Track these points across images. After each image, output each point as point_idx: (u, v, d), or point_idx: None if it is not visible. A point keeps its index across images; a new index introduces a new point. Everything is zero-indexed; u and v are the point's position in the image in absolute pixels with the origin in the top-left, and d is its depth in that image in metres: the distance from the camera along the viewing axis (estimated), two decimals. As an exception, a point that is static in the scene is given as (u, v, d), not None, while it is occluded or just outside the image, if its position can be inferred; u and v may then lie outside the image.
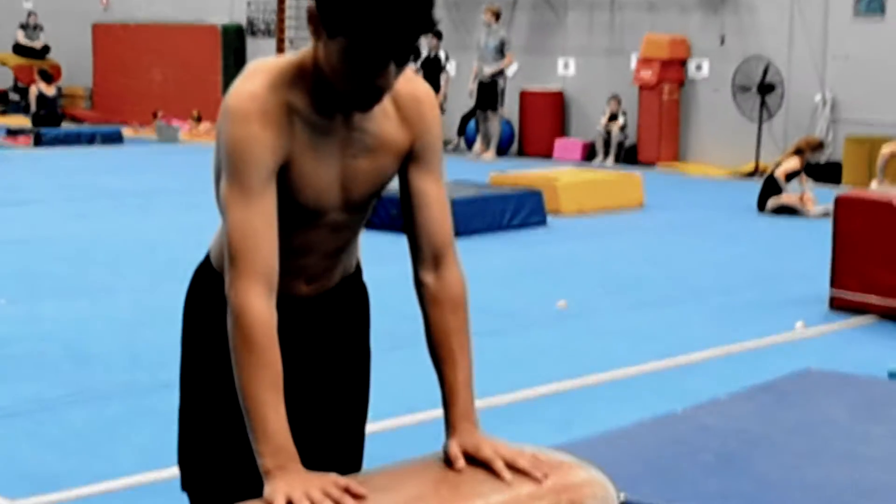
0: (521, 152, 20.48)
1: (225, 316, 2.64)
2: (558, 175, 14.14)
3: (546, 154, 20.01)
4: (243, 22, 24.88)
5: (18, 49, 26.44)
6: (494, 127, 19.54)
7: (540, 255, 10.90)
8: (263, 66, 2.70)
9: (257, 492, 2.53)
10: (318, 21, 2.56)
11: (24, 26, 26.60)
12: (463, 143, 20.47)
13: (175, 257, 10.24)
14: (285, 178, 2.68)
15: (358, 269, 3.08)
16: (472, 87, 19.50)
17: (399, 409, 5.95)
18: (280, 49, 23.93)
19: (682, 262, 10.80)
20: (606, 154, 19.51)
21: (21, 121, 22.79)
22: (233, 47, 24.76)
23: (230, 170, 2.62)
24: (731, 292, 9.38)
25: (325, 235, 2.84)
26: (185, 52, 24.89)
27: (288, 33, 23.90)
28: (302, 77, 2.66)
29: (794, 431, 4.94)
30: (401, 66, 2.59)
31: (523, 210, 12.23)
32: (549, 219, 12.62)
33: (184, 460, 3.11)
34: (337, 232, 2.85)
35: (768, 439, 4.84)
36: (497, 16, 19.56)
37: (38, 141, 20.24)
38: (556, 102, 20.64)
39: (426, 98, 2.79)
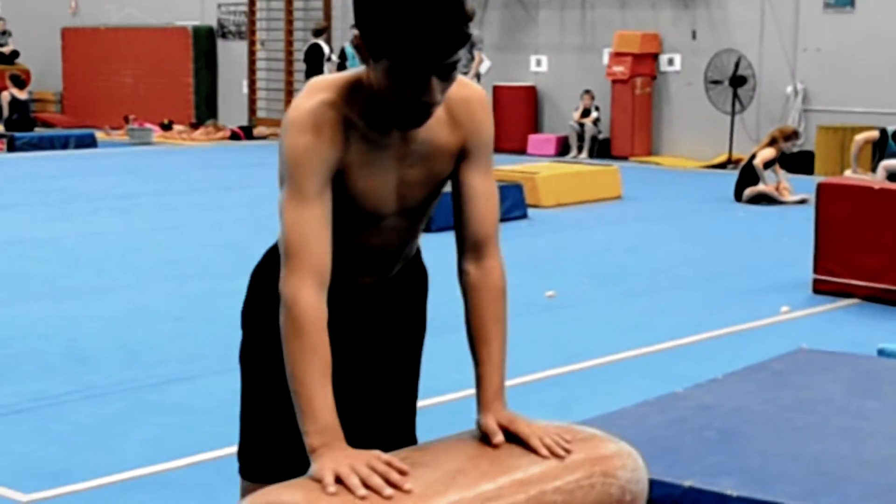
0: (495, 148, 20.54)
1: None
2: (537, 169, 14.27)
3: (520, 149, 20.13)
4: (214, 24, 24.89)
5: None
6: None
7: (523, 247, 10.99)
8: (323, 82, 2.82)
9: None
10: (364, 46, 2.69)
11: (3, 32, 26.54)
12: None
13: (159, 257, 10.35)
14: (343, 186, 2.82)
15: (417, 252, 3.20)
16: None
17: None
18: (251, 51, 23.98)
19: (664, 251, 10.93)
20: (580, 149, 19.65)
21: (-4, 127, 22.76)
22: (203, 49, 24.80)
23: (288, 176, 2.75)
24: (714, 280, 9.51)
25: (386, 237, 2.97)
26: (156, 55, 24.91)
27: (259, 35, 23.94)
28: (357, 95, 2.78)
29: (791, 408, 5.05)
30: (444, 80, 2.68)
31: (504, 204, 12.30)
32: (530, 212, 12.74)
33: (246, 447, 3.22)
34: (397, 233, 2.98)
35: (767, 416, 4.95)
36: (469, 15, 19.68)
37: (12, 146, 20.21)
38: (529, 98, 20.78)
39: (476, 98, 2.89)
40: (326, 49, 20.83)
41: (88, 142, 21.11)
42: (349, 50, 21.43)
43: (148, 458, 5.44)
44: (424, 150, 2.86)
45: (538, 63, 20.84)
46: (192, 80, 24.72)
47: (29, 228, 12.04)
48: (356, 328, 3.08)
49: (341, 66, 21.21)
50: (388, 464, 2.60)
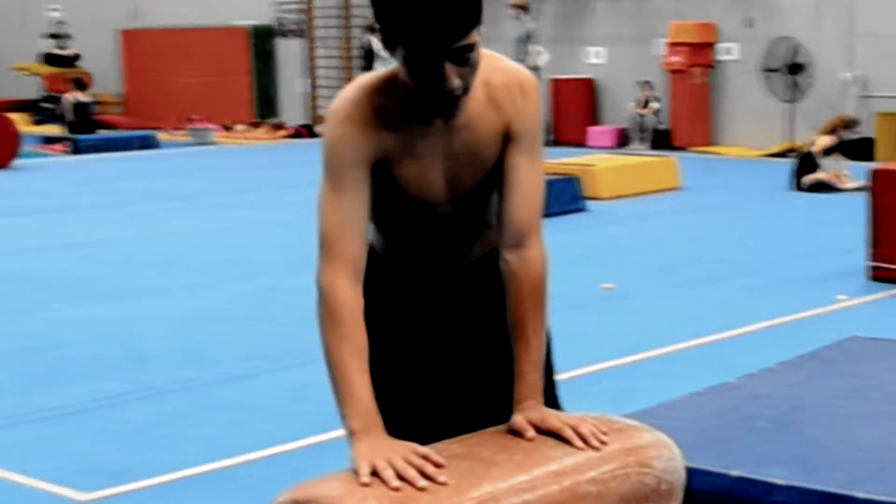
0: (555, 141, 20.57)
1: (388, 294, 2.98)
2: (594, 161, 14.25)
3: (579, 142, 20.10)
4: (271, 23, 25.03)
5: (48, 58, 26.66)
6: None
7: (581, 240, 11.01)
8: (366, 77, 2.88)
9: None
10: (382, 38, 2.73)
11: (52, 36, 26.82)
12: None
13: (220, 257, 10.45)
14: (389, 175, 2.86)
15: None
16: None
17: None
18: (310, 49, 24.10)
19: (721, 241, 10.92)
20: (640, 140, 19.61)
21: (55, 129, 22.99)
22: (262, 48, 24.93)
23: (326, 166, 2.81)
24: (771, 269, 9.48)
25: (444, 225, 3.00)
26: (215, 55, 25.08)
27: (317, 32, 24.04)
28: (396, 87, 2.80)
29: (843, 396, 5.04)
30: (460, 65, 2.68)
31: (562, 197, 12.33)
32: (588, 204, 12.73)
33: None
34: (454, 222, 2.99)
35: (819, 405, 4.95)
36: (524, 9, 19.64)
37: (75, 148, 20.46)
38: (587, 90, 20.75)
39: (518, 85, 2.89)
40: (377, 46, 20.89)
41: (150, 143, 21.31)
42: (377, 44, 21.63)
43: (205, 455, 5.51)
44: (468, 136, 2.87)
45: (595, 55, 20.79)
46: (251, 80, 24.88)
47: (92, 230, 12.19)
48: (445, 313, 3.12)
49: (368, 61, 21.41)
50: (425, 457, 2.63)
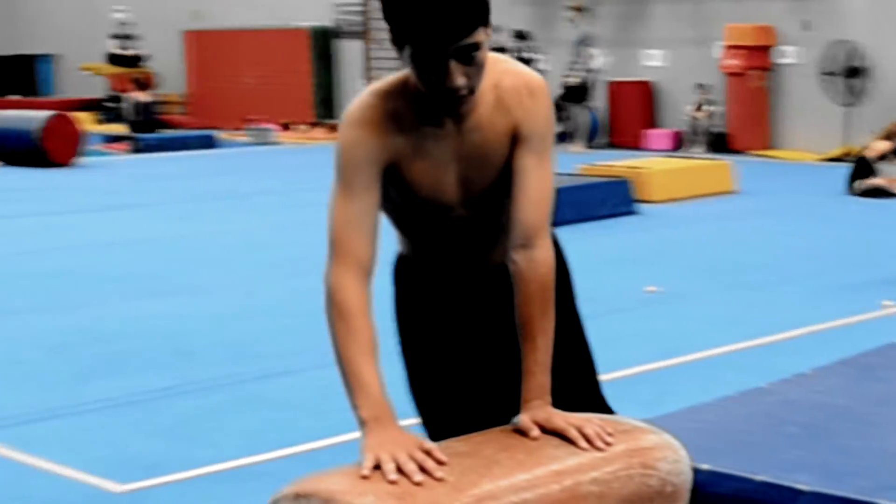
0: (611, 143, 20.55)
1: (420, 297, 3.12)
2: (647, 164, 14.24)
3: (636, 145, 20.07)
4: (331, 24, 25.15)
5: (113, 58, 26.94)
6: (582, 119, 19.68)
7: (629, 242, 11.02)
8: (380, 81, 2.95)
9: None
10: (391, 38, 2.79)
11: (117, 36, 27.10)
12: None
13: (274, 255, 10.57)
14: (401, 177, 2.93)
15: None
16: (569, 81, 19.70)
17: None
18: (369, 50, 24.21)
19: (772, 245, 10.88)
20: (696, 143, 19.54)
21: (118, 128, 23.24)
22: (322, 50, 25.07)
23: (337, 168, 2.89)
24: (820, 274, 9.45)
25: (461, 228, 3.07)
26: (276, 56, 25.23)
27: (376, 34, 24.14)
28: (408, 90, 2.87)
29: (878, 403, 5.03)
30: (465, 63, 2.75)
31: (612, 199, 12.36)
32: (639, 207, 12.73)
33: (429, 422, 3.31)
34: (470, 225, 3.05)
35: (851, 411, 4.94)
36: (580, 10, 19.67)
37: (137, 147, 20.70)
38: (645, 93, 20.71)
39: (527, 87, 2.94)
40: None
41: (210, 142, 21.54)
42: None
43: (243, 450, 5.59)
44: (478, 139, 2.93)
45: (653, 57, 20.74)
46: (310, 80, 25.02)
47: (149, 228, 12.34)
48: (471, 316, 3.19)
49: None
50: (428, 452, 2.68)
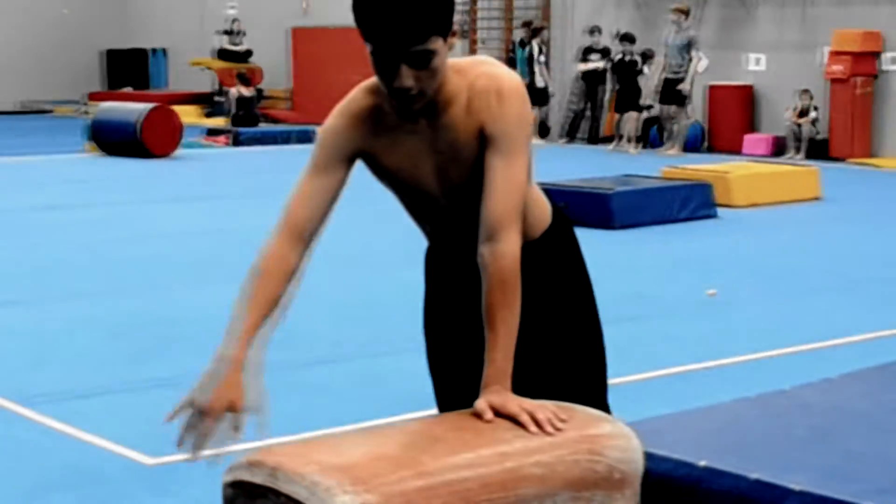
0: (709, 148, 20.46)
1: (436, 280, 3.45)
2: (732, 168, 14.19)
3: (735, 149, 19.95)
4: (437, 23, 25.30)
5: (222, 53, 27.41)
6: (681, 123, 19.63)
7: (702, 246, 11.03)
8: (371, 80, 3.12)
9: None
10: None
11: (227, 32, 27.55)
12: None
13: (343, 247, 10.70)
14: (380, 166, 3.18)
15: (545, 239, 3.38)
16: (657, 83, 19.65)
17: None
18: (472, 50, 24.32)
19: (844, 252, 10.83)
20: (797, 149, 19.38)
21: (222, 122, 23.64)
22: (426, 48, 25.23)
23: (313, 149, 3.17)
24: (887, 282, 9.38)
25: (451, 217, 3.26)
26: (381, 55, 25.43)
27: (480, 34, 24.27)
28: None
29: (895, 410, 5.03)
30: (417, 68, 2.91)
31: (692, 203, 12.35)
32: (720, 211, 12.71)
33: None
34: (461, 213, 3.19)
35: (866, 416, 4.93)
36: (686, 13, 19.58)
37: (236, 140, 21.05)
38: (746, 97, 20.58)
39: (497, 90, 3.06)
40: (536, 49, 21.10)
41: (308, 137, 21.74)
42: (518, 48, 21.80)
43: (276, 431, 5.71)
44: (450, 136, 3.09)
45: (756, 62, 20.60)
46: (414, 78, 25.20)
47: (234, 218, 12.61)
48: (470, 302, 3.29)
49: (510, 62, 21.59)
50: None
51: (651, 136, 20.74)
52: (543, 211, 3.39)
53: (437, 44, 2.91)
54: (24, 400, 6.19)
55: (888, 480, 4.16)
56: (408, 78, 2.91)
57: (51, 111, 29.14)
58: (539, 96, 20.58)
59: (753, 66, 20.64)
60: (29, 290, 8.96)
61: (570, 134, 21.94)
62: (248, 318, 3.12)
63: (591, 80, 21.37)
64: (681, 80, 19.30)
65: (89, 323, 7.87)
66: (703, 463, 4.20)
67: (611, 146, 20.53)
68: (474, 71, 3.08)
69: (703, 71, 19.86)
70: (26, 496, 4.96)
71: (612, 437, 3.07)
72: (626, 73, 19.95)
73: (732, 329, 7.85)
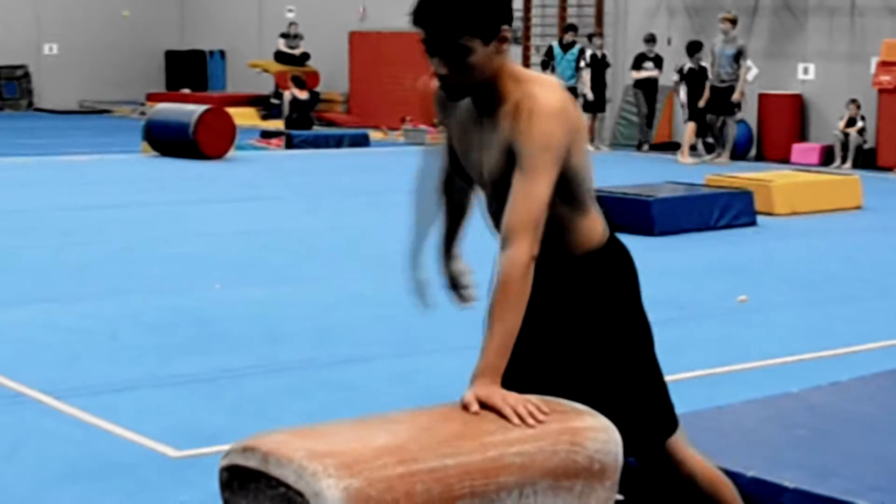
0: (760, 156, 20.48)
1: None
2: (773, 177, 14.25)
3: (784, 158, 19.96)
4: (492, 29, 25.42)
5: (279, 56, 27.67)
6: (730, 132, 19.67)
7: (739, 253, 11.11)
8: None
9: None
10: None
11: (285, 35, 27.82)
12: (701, 146, 20.53)
13: (387, 250, 10.85)
14: (451, 147, 3.58)
15: (589, 258, 3.57)
16: (705, 93, 19.68)
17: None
18: (525, 56, 24.45)
19: (879, 261, 10.88)
20: (844, 158, 19.38)
21: (278, 124, 23.86)
22: (481, 54, 25.34)
23: None
24: (920, 292, 9.46)
25: (494, 206, 3.49)
26: (436, 59, 25.57)
27: (533, 41, 24.38)
28: None
29: (898, 413, 5.15)
30: (449, 61, 3.25)
31: (732, 210, 12.44)
32: (761, 219, 12.78)
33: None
34: (500, 206, 3.39)
35: (869, 419, 5.06)
36: (734, 23, 19.61)
37: (289, 143, 21.26)
38: (795, 106, 20.58)
39: (529, 110, 3.30)
40: (609, 56, 21.24)
41: (361, 141, 21.99)
42: (557, 49, 21.89)
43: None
44: (493, 137, 3.38)
45: (805, 71, 20.61)
46: (469, 84, 25.32)
47: (278, 219, 12.82)
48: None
49: (545, 64, 21.73)
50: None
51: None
52: (592, 232, 3.55)
53: (474, 43, 3.24)
54: (59, 393, 6.39)
55: (880, 479, 4.30)
56: (440, 67, 3.28)
57: (110, 111, 29.45)
58: (585, 104, 20.72)
59: (803, 76, 20.65)
60: (71, 286, 9.20)
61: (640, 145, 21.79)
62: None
63: (646, 88, 21.38)
64: (729, 90, 19.32)
65: (127, 320, 8.07)
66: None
67: (695, 159, 20.10)
68: (526, 87, 3.33)
69: (752, 80, 19.89)
70: (52, 485, 5.16)
71: (593, 430, 3.22)
72: (698, 81, 19.80)
73: (759, 334, 7.95)
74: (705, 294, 9.19)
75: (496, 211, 3.46)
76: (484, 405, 3.17)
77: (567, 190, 3.38)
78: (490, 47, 3.27)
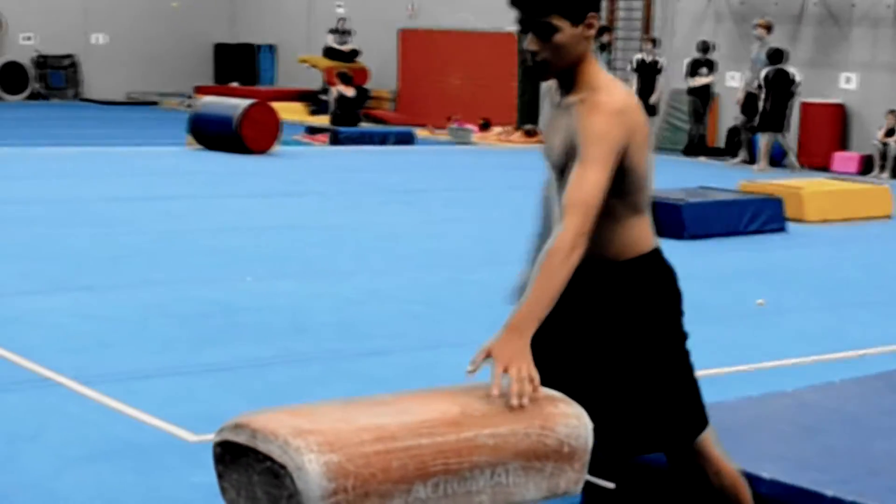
0: (801, 163, 20.53)
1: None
2: (805, 184, 14.39)
3: (824, 166, 20.04)
4: (539, 30, 25.57)
5: (329, 52, 27.92)
6: (765, 139, 19.78)
7: (765, 258, 11.30)
8: None
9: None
10: None
11: (334, 31, 28.09)
12: (744, 153, 20.64)
13: (419, 247, 11.16)
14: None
15: (629, 266, 3.78)
16: (741, 97, 19.82)
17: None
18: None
19: (902, 269, 11.05)
20: (883, 168, 19.44)
21: (326, 120, 24.03)
22: (530, 55, 25.51)
23: None
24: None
25: (557, 194, 3.72)
26: (484, 59, 25.78)
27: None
28: None
29: (886, 413, 5.33)
30: (541, 38, 3.57)
31: (762, 216, 12.61)
32: (791, 226, 12.95)
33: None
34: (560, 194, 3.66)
35: (856, 417, 5.25)
36: (769, 29, 19.73)
37: (335, 139, 21.47)
38: (837, 115, 20.65)
39: (589, 103, 3.60)
40: (661, 62, 21.35)
41: (407, 138, 22.15)
42: (596, 52, 22.00)
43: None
44: (561, 122, 3.69)
45: (847, 80, 20.67)
46: (516, 85, 25.52)
47: (316, 215, 13.09)
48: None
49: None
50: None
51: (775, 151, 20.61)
52: (641, 237, 3.78)
53: (562, 22, 3.55)
54: (85, 379, 6.66)
55: (855, 472, 4.51)
56: (532, 43, 3.59)
57: (157, 103, 29.71)
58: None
59: (845, 85, 20.71)
60: (105, 275, 9.48)
61: (688, 150, 21.79)
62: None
63: (700, 95, 21.37)
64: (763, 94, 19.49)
65: (158, 309, 8.34)
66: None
67: (758, 166, 19.94)
68: (598, 83, 3.63)
69: (796, 90, 19.89)
70: (72, 465, 5.42)
71: (564, 416, 3.45)
72: (781, 89, 19.74)
73: (769, 336, 8.16)
74: (725, 297, 9.38)
75: (558, 198, 3.70)
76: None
77: (622, 187, 3.61)
78: (577, 30, 3.57)
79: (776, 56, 19.60)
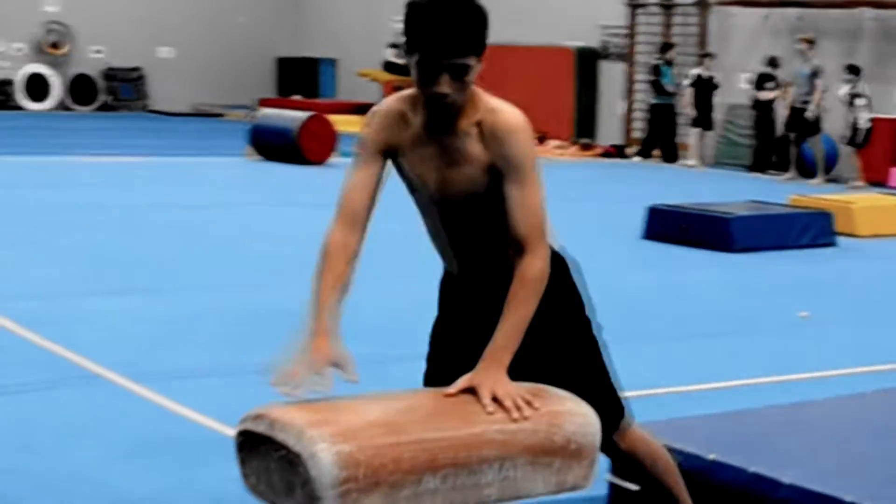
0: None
1: (442, 287, 4.03)
2: (856, 199, 14.40)
3: (881, 181, 19.97)
4: (598, 46, 25.69)
5: (388, 66, 28.11)
6: (817, 153, 19.77)
7: (813, 271, 11.34)
8: (405, 90, 3.72)
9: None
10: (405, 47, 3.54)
11: (394, 45, 28.26)
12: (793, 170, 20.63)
13: (430, 250, 11.23)
14: (400, 164, 3.72)
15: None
16: (785, 112, 19.90)
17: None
18: (631, 73, 24.68)
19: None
20: (940, 184, 19.39)
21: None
22: (586, 70, 25.63)
23: (357, 145, 3.73)
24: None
25: (448, 223, 3.76)
26: (541, 73, 25.86)
27: (638, 58, 24.58)
28: (417, 100, 3.65)
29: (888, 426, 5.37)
30: (454, 78, 3.48)
31: (812, 230, 12.64)
32: (842, 240, 12.96)
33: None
34: (455, 222, 3.74)
35: (882, 427, 5.30)
36: (811, 43, 19.74)
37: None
38: (894, 131, 20.55)
39: (503, 125, 3.59)
40: (717, 77, 21.40)
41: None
42: (664, 67, 22.13)
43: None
44: (459, 156, 3.64)
45: (906, 95, 20.61)
46: (573, 99, 25.61)
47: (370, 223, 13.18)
48: (458, 316, 3.97)
49: (655, 83, 21.92)
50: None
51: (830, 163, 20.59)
52: None
53: (473, 61, 3.50)
54: (134, 376, 6.86)
55: (875, 479, 4.57)
56: (445, 86, 3.48)
57: (222, 115, 30.11)
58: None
59: (904, 100, 20.66)
60: (160, 279, 9.71)
61: (756, 166, 21.66)
62: (322, 296, 3.68)
63: (763, 110, 21.35)
64: (812, 109, 19.50)
65: (209, 312, 8.55)
66: (711, 456, 4.67)
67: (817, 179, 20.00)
68: (482, 105, 3.61)
69: (863, 111, 19.74)
70: (117, 458, 5.59)
71: (572, 414, 3.56)
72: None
73: (809, 347, 8.22)
74: (769, 309, 9.43)
75: (457, 226, 3.74)
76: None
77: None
78: (480, 65, 3.56)
79: (853, 70, 19.54)
